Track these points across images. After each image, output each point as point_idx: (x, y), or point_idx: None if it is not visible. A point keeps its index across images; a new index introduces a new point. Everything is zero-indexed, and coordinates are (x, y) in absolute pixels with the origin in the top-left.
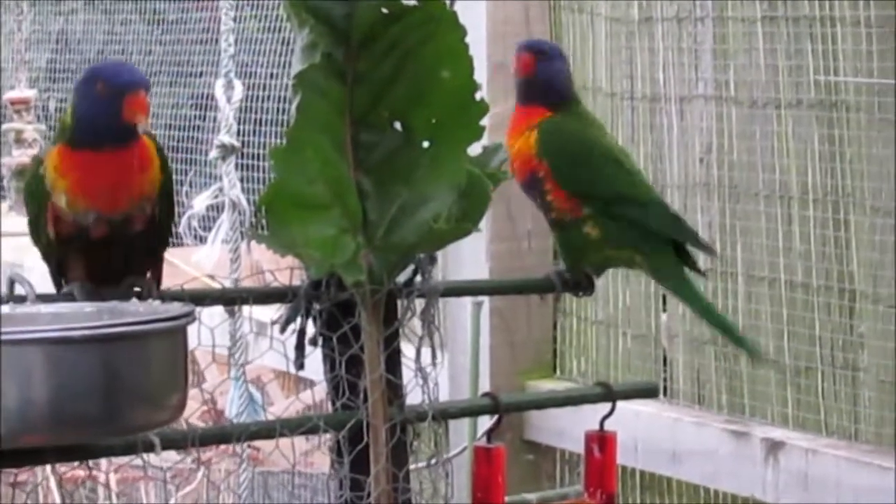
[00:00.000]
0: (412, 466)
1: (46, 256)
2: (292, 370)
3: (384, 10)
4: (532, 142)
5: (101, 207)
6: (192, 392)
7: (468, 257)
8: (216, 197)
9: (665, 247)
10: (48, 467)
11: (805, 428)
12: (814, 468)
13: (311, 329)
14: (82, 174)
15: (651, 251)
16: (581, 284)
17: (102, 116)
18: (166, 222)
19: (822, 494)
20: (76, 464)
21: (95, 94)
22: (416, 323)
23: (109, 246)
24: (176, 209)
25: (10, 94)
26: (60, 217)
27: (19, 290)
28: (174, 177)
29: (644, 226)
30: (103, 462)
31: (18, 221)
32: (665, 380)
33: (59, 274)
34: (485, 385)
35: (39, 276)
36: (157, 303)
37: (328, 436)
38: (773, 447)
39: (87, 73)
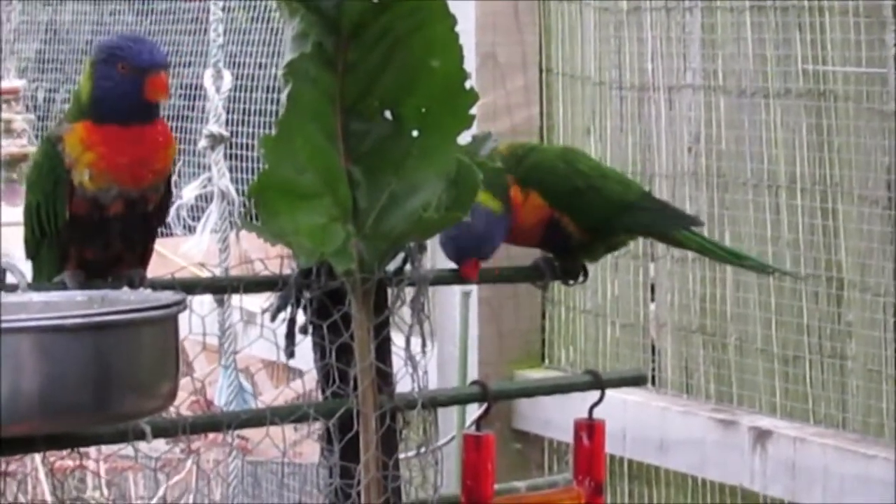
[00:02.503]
0: (402, 454)
1: (38, 245)
2: (281, 360)
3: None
4: (536, 200)
5: (125, 182)
6: (182, 382)
7: None
8: (205, 187)
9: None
10: (37, 458)
11: (793, 416)
12: (801, 457)
13: (301, 317)
14: (109, 149)
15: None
16: (571, 272)
17: (125, 96)
18: (167, 204)
19: (809, 483)
20: (65, 453)
21: (117, 74)
22: (406, 311)
23: (119, 225)
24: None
25: None
26: (77, 196)
27: (10, 278)
28: None
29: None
30: (92, 451)
31: (7, 211)
32: (653, 369)
33: (57, 263)
34: (473, 375)
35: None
36: (148, 291)
37: (317, 426)
38: (761, 436)
39: (105, 52)
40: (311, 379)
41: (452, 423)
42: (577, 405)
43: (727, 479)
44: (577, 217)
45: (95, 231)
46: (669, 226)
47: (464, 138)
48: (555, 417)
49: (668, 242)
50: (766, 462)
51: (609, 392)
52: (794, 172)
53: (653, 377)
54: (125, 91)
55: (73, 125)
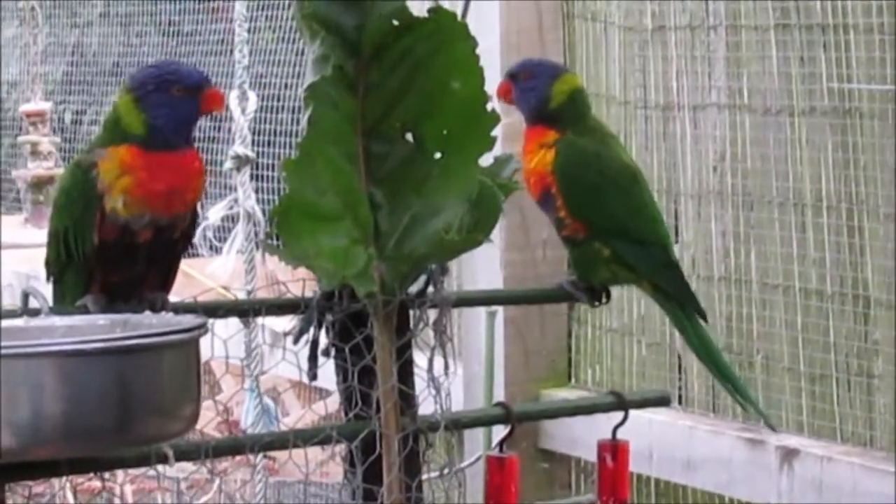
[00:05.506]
0: (425, 476)
1: (63, 269)
2: (307, 380)
3: (395, 22)
4: (549, 159)
5: (157, 210)
6: (208, 403)
7: (483, 266)
8: (231, 208)
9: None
10: (64, 479)
11: (820, 435)
12: (829, 475)
13: (323, 340)
14: (149, 174)
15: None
16: (594, 292)
17: (186, 117)
18: (193, 230)
19: (837, 501)
20: (92, 475)
21: (173, 97)
22: (430, 332)
23: (146, 250)
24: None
25: (25, 107)
26: (107, 221)
27: (33, 303)
28: None
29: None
30: (119, 473)
31: (34, 233)
32: (680, 388)
33: (82, 286)
34: (499, 394)
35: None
36: (169, 315)
37: (342, 447)
38: (788, 454)
39: (154, 80)
40: (337, 399)
41: (479, 443)
42: (605, 424)
43: (754, 498)
44: (571, 203)
45: (122, 256)
46: (660, 280)
47: (485, 160)
48: (581, 437)
49: (668, 311)
50: (793, 481)
51: (636, 411)
52: (819, 190)
53: (679, 396)
54: (185, 113)
55: (109, 150)
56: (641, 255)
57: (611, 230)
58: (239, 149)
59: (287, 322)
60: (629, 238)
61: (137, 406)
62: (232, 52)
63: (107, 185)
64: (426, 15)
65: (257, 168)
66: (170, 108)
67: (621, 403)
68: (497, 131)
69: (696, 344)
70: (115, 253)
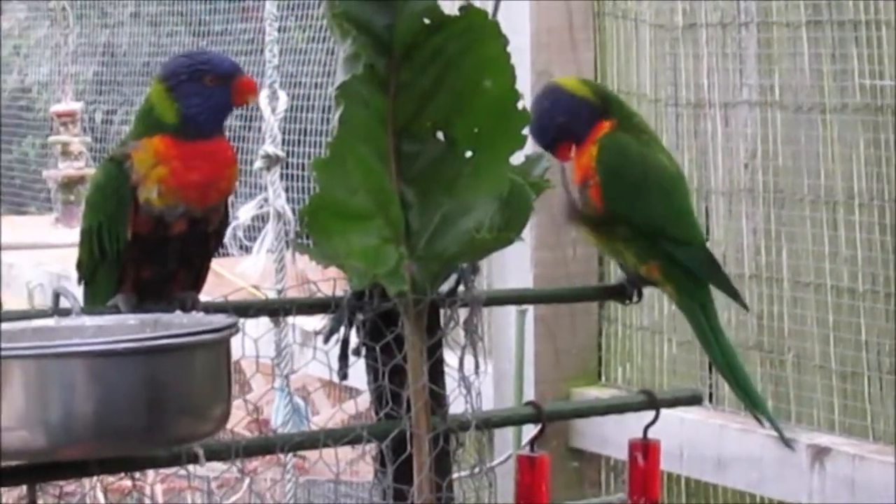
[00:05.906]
0: (455, 475)
1: (96, 268)
2: (338, 379)
3: (426, 21)
4: (593, 154)
5: (192, 200)
6: (238, 402)
7: (513, 265)
8: (261, 207)
9: (694, 289)
10: (95, 479)
11: (851, 433)
12: (860, 474)
13: (354, 339)
14: (183, 164)
15: (679, 286)
16: (625, 292)
17: (219, 106)
18: (225, 226)
19: (869, 500)
20: (122, 475)
21: (205, 86)
22: (460, 332)
23: (179, 245)
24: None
25: (56, 107)
26: (141, 214)
27: (64, 303)
28: None
29: (679, 263)
30: (150, 472)
31: (65, 233)
32: (710, 386)
33: (113, 286)
34: (529, 392)
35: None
36: (200, 314)
37: (372, 446)
38: (820, 453)
39: (186, 70)
40: (367, 399)
41: (509, 442)
42: (635, 423)
43: (785, 496)
44: (609, 198)
45: (156, 250)
46: (708, 276)
47: (517, 158)
48: (612, 435)
49: (686, 312)
50: (824, 479)
51: (666, 409)
52: (851, 188)
53: (710, 394)
54: (218, 102)
55: (142, 141)
56: (681, 254)
57: (646, 229)
58: (269, 148)
59: (317, 321)
60: (667, 238)
61: (168, 406)
62: (262, 51)
63: (141, 175)
64: (457, 14)
65: (287, 167)
66: (203, 97)
67: (653, 402)
68: (528, 130)
69: (719, 356)
70: (149, 247)
